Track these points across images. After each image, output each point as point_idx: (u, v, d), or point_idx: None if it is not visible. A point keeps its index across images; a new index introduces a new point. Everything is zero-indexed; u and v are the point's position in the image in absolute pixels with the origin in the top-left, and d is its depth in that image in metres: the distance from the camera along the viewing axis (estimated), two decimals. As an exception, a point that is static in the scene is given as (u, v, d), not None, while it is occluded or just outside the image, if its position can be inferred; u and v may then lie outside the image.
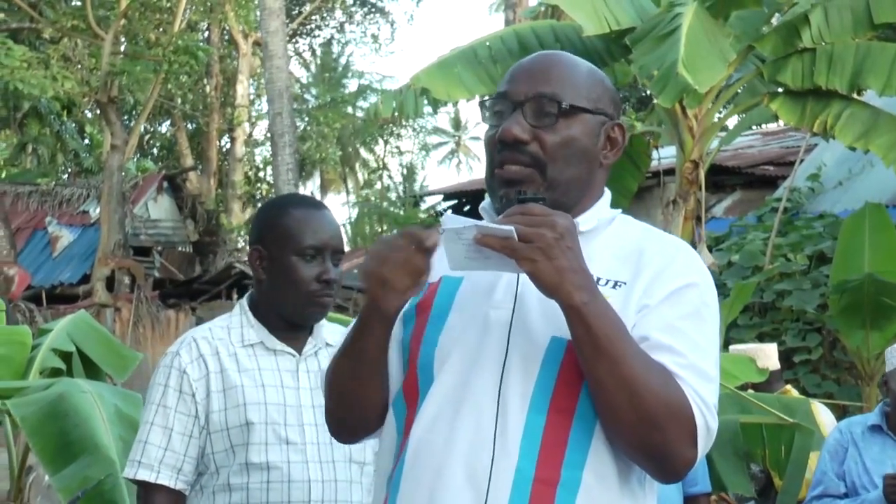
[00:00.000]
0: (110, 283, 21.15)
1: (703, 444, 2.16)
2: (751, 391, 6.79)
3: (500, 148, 2.27)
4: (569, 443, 2.17)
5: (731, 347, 7.35)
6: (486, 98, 2.36)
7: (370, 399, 2.32)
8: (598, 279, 2.19)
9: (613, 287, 2.21)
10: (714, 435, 2.18)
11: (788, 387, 6.96)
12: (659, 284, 2.22)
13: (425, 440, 2.21)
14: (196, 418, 3.13)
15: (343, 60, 40.67)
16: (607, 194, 2.37)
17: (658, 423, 2.10)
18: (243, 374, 3.13)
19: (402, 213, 28.10)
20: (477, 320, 2.24)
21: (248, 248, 3.43)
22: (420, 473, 2.20)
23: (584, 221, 2.25)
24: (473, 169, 46.49)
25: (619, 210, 2.37)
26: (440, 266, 2.25)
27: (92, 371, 5.65)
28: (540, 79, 2.29)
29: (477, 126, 46.64)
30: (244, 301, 3.29)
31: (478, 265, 2.15)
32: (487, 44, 10.61)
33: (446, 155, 46.29)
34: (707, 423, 2.15)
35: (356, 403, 2.33)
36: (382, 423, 2.34)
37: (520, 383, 2.18)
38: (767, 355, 6.98)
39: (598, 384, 2.12)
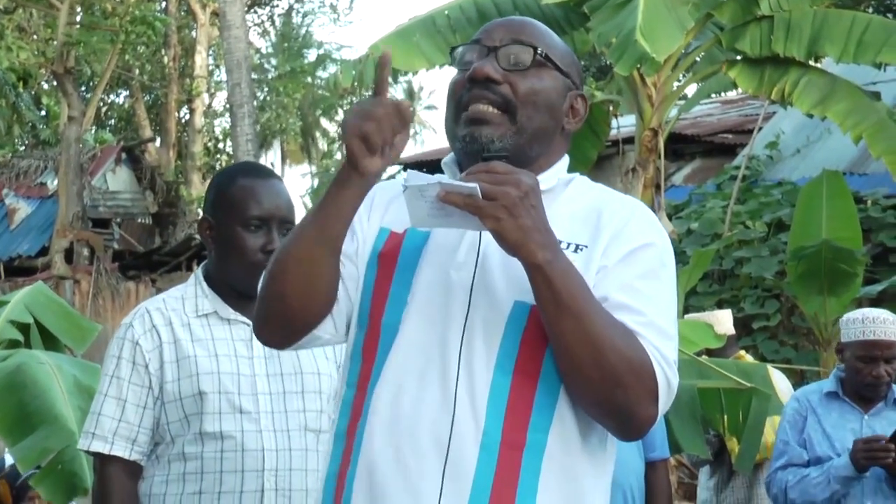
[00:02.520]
0: (69, 256, 21.02)
1: (665, 401, 2.18)
2: (705, 357, 6.85)
3: (470, 86, 2.27)
4: (534, 406, 2.18)
5: (687, 317, 7.40)
6: (459, 45, 2.36)
7: (322, 277, 2.23)
8: (560, 242, 2.19)
9: (575, 251, 2.22)
10: (675, 391, 2.20)
11: (742, 352, 7.01)
12: (616, 245, 2.23)
13: (390, 402, 2.20)
14: (150, 389, 3.12)
15: (302, 31, 40.48)
16: (566, 158, 2.38)
17: (621, 381, 2.12)
18: (196, 344, 3.13)
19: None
20: (440, 280, 2.23)
21: (203, 217, 3.42)
22: (386, 436, 2.19)
23: (544, 180, 2.25)
24: (427, 140, 46.33)
25: (577, 174, 2.37)
26: (405, 218, 2.24)
27: (50, 343, 5.61)
28: (516, 29, 2.32)
29: (431, 95, 46.46)
30: (199, 271, 3.28)
31: (440, 223, 2.14)
32: (446, 12, 10.58)
33: (401, 125, 45.95)
34: (668, 379, 2.17)
35: (308, 281, 2.22)
36: (323, 317, 2.28)
37: (484, 347, 2.18)
38: (720, 321, 7.02)
39: (561, 342, 2.13)
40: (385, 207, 2.35)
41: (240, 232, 3.14)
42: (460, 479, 2.14)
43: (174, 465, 3.10)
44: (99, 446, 3.12)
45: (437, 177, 2.14)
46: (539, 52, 2.29)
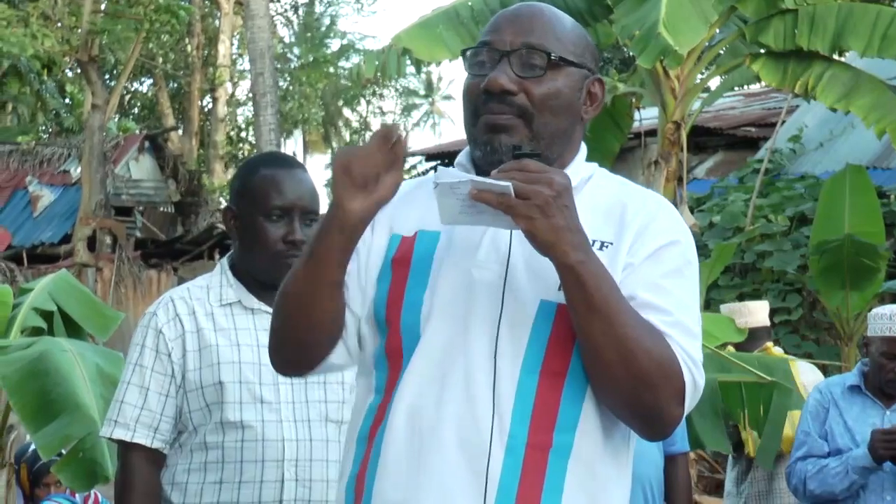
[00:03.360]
0: (91, 243, 21.06)
1: (690, 401, 2.17)
2: (731, 349, 6.84)
3: (486, 99, 2.25)
4: (560, 406, 2.17)
5: (722, 307, 7.38)
6: (469, 48, 2.33)
7: (325, 313, 2.24)
8: None
9: (601, 248, 2.20)
10: (700, 391, 2.19)
11: (769, 344, 6.96)
12: (642, 243, 2.22)
13: (414, 403, 2.18)
14: (172, 378, 3.13)
15: (325, 20, 40.48)
16: (583, 149, 2.36)
17: (650, 382, 2.11)
18: (219, 334, 3.14)
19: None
20: (459, 279, 2.21)
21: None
22: (409, 437, 2.18)
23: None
24: (445, 131, 46.13)
25: (596, 164, 2.36)
26: (415, 221, 2.25)
27: (73, 330, 5.63)
28: (526, 29, 2.27)
29: (450, 85, 46.31)
30: (225, 261, 3.29)
31: (470, 220, 2.12)
32: (469, 3, 10.57)
33: (420, 117, 45.98)
34: (695, 379, 2.16)
35: (310, 319, 2.24)
36: (333, 346, 2.30)
37: (510, 347, 2.17)
38: (752, 311, 7.02)
39: (591, 343, 2.11)
40: (392, 212, 2.32)
41: (261, 222, 3.15)
42: (487, 482, 2.13)
43: (196, 455, 3.12)
44: (121, 434, 3.13)
45: (469, 174, 2.13)
46: (553, 57, 2.25)
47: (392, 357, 2.26)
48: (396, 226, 2.32)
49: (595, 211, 2.25)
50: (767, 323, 7.07)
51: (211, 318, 3.16)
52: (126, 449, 3.15)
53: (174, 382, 3.14)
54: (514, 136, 2.23)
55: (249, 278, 3.20)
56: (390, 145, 2.15)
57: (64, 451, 4.45)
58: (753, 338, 6.88)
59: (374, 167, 2.16)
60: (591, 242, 2.18)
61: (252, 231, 3.17)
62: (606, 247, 2.21)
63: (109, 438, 3.17)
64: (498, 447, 2.14)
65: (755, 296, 12.70)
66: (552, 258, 2.10)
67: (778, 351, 6.93)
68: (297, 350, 2.31)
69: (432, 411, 2.17)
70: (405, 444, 2.18)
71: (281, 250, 3.13)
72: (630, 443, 2.28)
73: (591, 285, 2.09)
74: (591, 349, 2.12)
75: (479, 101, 2.26)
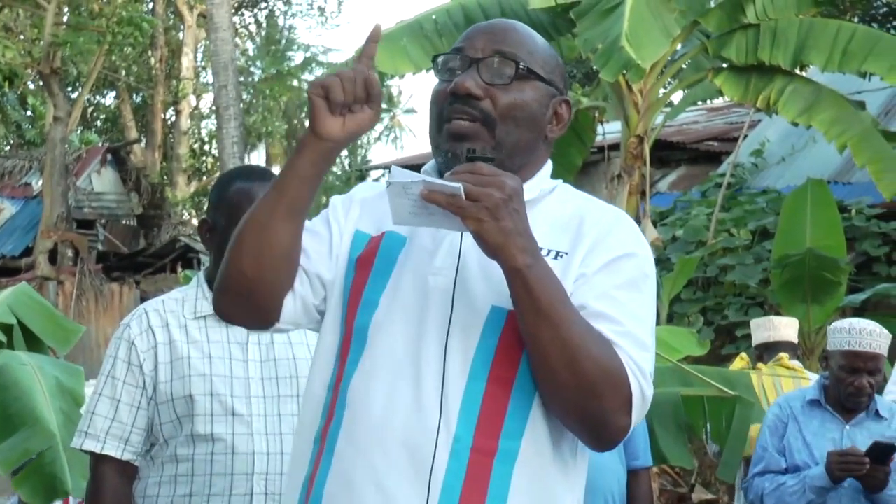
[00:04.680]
0: (53, 256, 20.97)
1: (638, 412, 2.16)
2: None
3: (452, 101, 2.26)
4: (507, 412, 2.16)
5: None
6: (441, 53, 2.34)
7: (279, 243, 2.21)
8: (540, 249, 2.17)
9: (555, 258, 2.21)
10: (649, 403, 2.19)
11: (783, 355, 7.00)
12: (596, 254, 2.22)
13: (363, 404, 2.19)
14: (144, 389, 3.14)
15: (287, 33, 40.42)
16: (549, 165, 2.37)
17: (595, 390, 2.10)
18: (191, 346, 3.15)
19: (347, 187, 28.08)
20: (417, 285, 2.22)
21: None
22: (358, 438, 2.18)
23: (527, 190, 2.22)
24: (407, 145, 46.00)
25: (560, 181, 2.36)
26: (385, 221, 2.23)
27: (34, 344, 5.60)
28: (498, 39, 2.30)
29: (410, 99, 46.22)
30: (201, 274, 3.31)
31: (422, 221, 2.12)
32: (433, 17, 10.60)
33: (382, 130, 45.98)
34: (642, 390, 2.16)
35: (262, 245, 2.22)
36: (280, 295, 2.26)
37: (460, 352, 2.17)
38: (774, 326, 7.10)
39: (537, 349, 2.11)
40: (361, 207, 2.35)
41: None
42: (429, 485, 2.13)
43: (167, 467, 3.13)
44: (91, 445, 3.14)
45: (422, 175, 2.13)
46: (521, 66, 2.27)
47: (342, 355, 2.26)
48: (363, 225, 2.33)
49: (554, 223, 2.25)
50: (791, 339, 7.14)
51: (184, 331, 3.17)
52: (97, 461, 3.15)
53: (146, 394, 3.14)
54: (477, 145, 2.23)
55: None
56: (368, 86, 2.17)
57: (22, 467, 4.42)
58: (773, 350, 7.01)
59: (352, 95, 2.17)
60: (545, 251, 2.19)
61: (225, 243, 3.16)
62: (561, 256, 2.22)
63: (80, 450, 3.18)
64: (443, 451, 2.13)
65: (717, 310, 12.76)
66: (500, 261, 2.09)
67: (795, 364, 6.96)
68: (241, 283, 2.25)
69: (378, 413, 2.17)
70: (352, 447, 2.18)
71: None
72: (578, 457, 2.27)
73: (538, 290, 2.08)
74: (537, 354, 2.12)
75: (445, 104, 2.27)
